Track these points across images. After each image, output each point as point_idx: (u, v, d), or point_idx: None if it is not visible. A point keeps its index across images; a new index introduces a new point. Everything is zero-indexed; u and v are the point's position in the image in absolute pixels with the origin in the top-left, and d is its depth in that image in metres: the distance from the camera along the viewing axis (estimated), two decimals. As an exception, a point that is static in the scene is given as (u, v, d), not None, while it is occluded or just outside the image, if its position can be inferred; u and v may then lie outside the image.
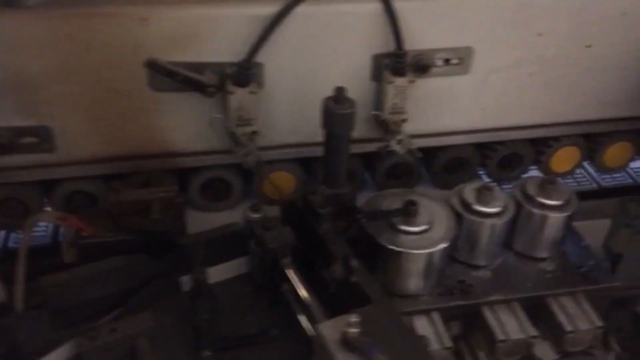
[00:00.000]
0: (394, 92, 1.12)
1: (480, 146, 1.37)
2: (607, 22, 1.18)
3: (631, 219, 1.54)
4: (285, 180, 1.28)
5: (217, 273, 1.13)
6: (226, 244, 1.19)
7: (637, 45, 1.21)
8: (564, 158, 1.40)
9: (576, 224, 1.61)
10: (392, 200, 1.23)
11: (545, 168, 1.42)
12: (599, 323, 1.17)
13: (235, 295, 1.16)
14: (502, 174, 1.40)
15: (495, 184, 1.27)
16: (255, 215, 1.10)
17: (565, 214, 1.25)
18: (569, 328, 1.16)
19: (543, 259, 1.29)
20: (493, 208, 1.21)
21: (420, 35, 1.13)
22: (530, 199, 1.26)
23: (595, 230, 1.61)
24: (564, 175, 1.43)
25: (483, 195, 1.22)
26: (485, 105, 1.26)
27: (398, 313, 0.95)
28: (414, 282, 1.18)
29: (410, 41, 1.12)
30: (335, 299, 1.04)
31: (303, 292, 1.00)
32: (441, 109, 1.24)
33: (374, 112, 1.13)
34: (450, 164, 1.36)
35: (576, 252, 1.32)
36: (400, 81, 1.11)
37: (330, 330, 0.87)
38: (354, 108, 1.03)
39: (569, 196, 1.26)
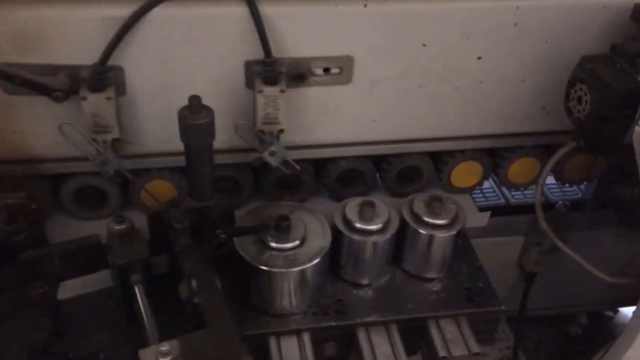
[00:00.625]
0: (265, 102, 1.06)
1: (377, 159, 1.32)
2: (498, 33, 1.11)
3: (542, 238, 1.51)
4: (164, 190, 1.22)
5: (74, 287, 1.08)
6: (88, 256, 1.14)
7: (531, 58, 1.16)
8: (464, 173, 1.34)
9: (490, 241, 1.59)
10: (271, 213, 1.18)
11: (446, 183, 1.36)
12: (476, 349, 1.13)
13: (94, 311, 1.11)
14: (402, 188, 1.35)
15: (374, 199, 1.21)
16: (118, 227, 1.04)
17: (451, 233, 1.20)
18: (442, 354, 1.11)
19: (431, 279, 1.25)
20: (374, 225, 1.17)
21: (296, 43, 1.07)
22: (416, 217, 1.21)
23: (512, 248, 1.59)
24: (466, 190, 1.38)
25: (365, 211, 1.17)
26: (376, 116, 1.20)
27: (238, 339, 0.89)
28: (284, 301, 1.13)
29: (284, 48, 1.06)
30: (189, 321, 1.00)
31: (144, 312, 0.95)
32: (325, 119, 1.18)
33: (241, 122, 1.07)
34: (343, 176, 1.31)
35: (468, 272, 1.28)
36: (270, 90, 1.05)
37: (150, 356, 0.83)
38: (211, 117, 0.97)
39: (457, 214, 1.21)
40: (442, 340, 1.14)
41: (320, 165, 1.30)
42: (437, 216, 1.20)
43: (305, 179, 1.30)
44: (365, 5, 1.04)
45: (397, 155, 1.30)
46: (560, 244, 1.30)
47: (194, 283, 0.93)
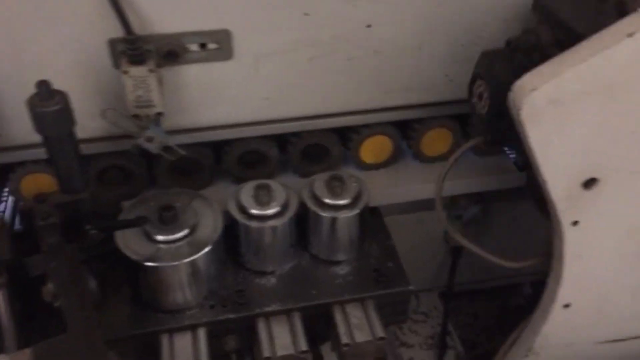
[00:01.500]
0: (134, 83, 0.98)
1: (278, 138, 1.25)
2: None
3: (462, 210, 1.46)
4: (45, 183, 1.14)
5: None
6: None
7: (425, 24, 1.10)
8: (373, 148, 1.28)
9: (416, 216, 1.54)
10: (162, 202, 1.11)
11: (356, 159, 1.30)
12: (381, 334, 1.08)
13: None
14: (309, 168, 1.28)
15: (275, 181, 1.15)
16: (-13, 225, 0.97)
17: (354, 213, 1.14)
18: (344, 340, 1.06)
19: (339, 262, 1.20)
20: (271, 209, 1.10)
21: (164, 18, 0.98)
22: (316, 198, 1.15)
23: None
24: (377, 167, 1.32)
25: (260, 195, 1.10)
26: (268, 94, 1.13)
27: (100, 344, 0.83)
28: (177, 296, 1.06)
29: (151, 24, 0.98)
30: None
31: (2, 318, 0.88)
32: (211, 99, 1.10)
33: (109, 108, 0.99)
34: (245, 158, 1.24)
35: (379, 252, 1.23)
36: (137, 70, 0.96)
37: (5, 364, 0.76)
38: (64, 103, 0.89)
39: (359, 192, 1.15)
40: (346, 326, 1.09)
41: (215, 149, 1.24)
42: (337, 196, 1.14)
43: (205, 163, 1.22)
44: (233, -27, 0.96)
45: (297, 134, 1.23)
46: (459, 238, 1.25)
47: (54, 285, 0.86)
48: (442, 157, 1.36)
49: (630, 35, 0.72)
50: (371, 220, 1.27)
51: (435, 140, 1.32)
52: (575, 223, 0.95)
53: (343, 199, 1.14)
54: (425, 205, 1.45)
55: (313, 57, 1.10)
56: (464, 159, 1.26)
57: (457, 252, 1.56)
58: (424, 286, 1.70)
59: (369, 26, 1.08)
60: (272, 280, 1.15)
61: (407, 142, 1.33)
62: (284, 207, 1.12)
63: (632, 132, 0.82)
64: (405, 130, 1.31)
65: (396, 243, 1.36)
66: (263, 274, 1.16)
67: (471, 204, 1.44)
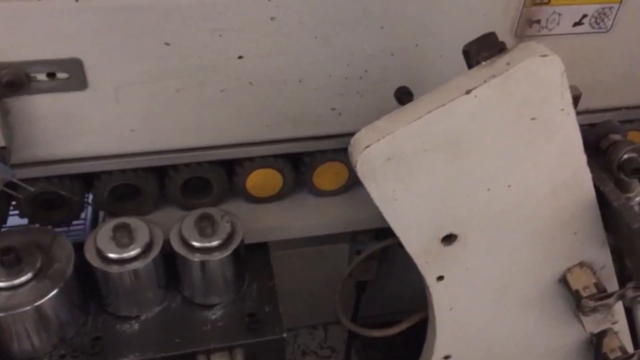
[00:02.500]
0: (-32, 115, 0.90)
1: (158, 171, 1.18)
2: (255, 30, 0.98)
3: (363, 245, 1.40)
4: None
5: None
6: None
7: (302, 56, 1.03)
8: (261, 182, 1.21)
9: (316, 250, 1.47)
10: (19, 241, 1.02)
11: (244, 194, 1.23)
12: (245, 386, 1.02)
13: None
14: (193, 202, 1.21)
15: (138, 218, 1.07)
16: None
17: (225, 254, 1.07)
18: (204, 395, 1.00)
19: (212, 306, 1.12)
20: (130, 251, 1.02)
21: (5, 44, 0.90)
22: (183, 240, 1.07)
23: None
24: (266, 200, 1.26)
25: (119, 236, 1.02)
26: (134, 125, 1.05)
27: None
28: (22, 344, 0.97)
29: (-10, 51, 0.90)
30: None
31: None
32: (70, 130, 1.01)
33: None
34: (118, 192, 1.16)
35: (258, 294, 1.15)
36: (-31, 102, 0.89)
37: None
38: None
39: (231, 231, 1.08)
40: (210, 379, 1.02)
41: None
42: (207, 237, 1.07)
43: (72, 198, 1.14)
44: (77, 0, 0.88)
45: (175, 167, 1.15)
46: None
47: None
48: (338, 191, 1.30)
49: (468, 92, 0.66)
50: (256, 257, 1.20)
51: (329, 174, 1.25)
52: (440, 278, 0.90)
53: (213, 240, 1.06)
54: (331, 238, 1.40)
55: (181, 88, 1.02)
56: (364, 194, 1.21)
57: (361, 286, 1.51)
58: (332, 319, 1.64)
59: (240, 57, 1.01)
60: (135, 326, 1.07)
61: (299, 176, 1.27)
62: (147, 248, 1.04)
63: (483, 189, 0.77)
64: (290, 163, 1.25)
65: (303, 275, 1.30)
66: (126, 318, 1.08)
67: (371, 239, 1.38)
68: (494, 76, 0.67)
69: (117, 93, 1.00)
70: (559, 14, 1.08)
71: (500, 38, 1.07)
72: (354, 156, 0.72)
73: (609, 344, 1.09)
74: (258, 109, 1.10)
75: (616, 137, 0.87)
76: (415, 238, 0.83)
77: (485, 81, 0.67)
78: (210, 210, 1.10)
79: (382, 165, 0.72)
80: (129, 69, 0.98)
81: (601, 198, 0.85)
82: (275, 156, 1.20)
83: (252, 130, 1.13)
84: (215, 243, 1.06)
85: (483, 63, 0.69)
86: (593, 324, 1.00)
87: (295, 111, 1.12)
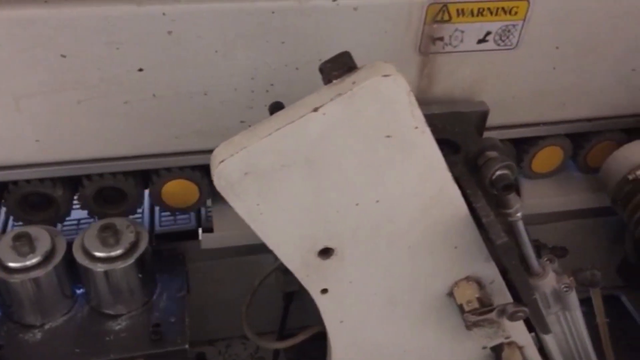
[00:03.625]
0: None
1: (71, 181, 1.19)
2: (152, 43, 0.99)
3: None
4: None
5: None
6: None
7: (207, 69, 1.04)
8: (177, 193, 1.22)
9: (242, 260, 1.48)
10: None
11: (161, 205, 1.24)
12: (138, 398, 1.02)
13: None
14: (107, 211, 1.21)
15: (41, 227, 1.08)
16: None
17: (127, 264, 1.07)
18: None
19: (117, 316, 1.13)
20: (29, 260, 1.03)
21: None
22: (85, 250, 1.08)
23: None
24: (184, 210, 1.27)
25: (18, 245, 1.03)
26: (38, 136, 1.05)
27: None
28: None
29: None
30: None
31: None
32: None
33: None
34: (29, 201, 1.17)
35: (167, 304, 1.16)
36: None
37: None
38: None
39: (135, 241, 1.09)
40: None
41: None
42: (110, 247, 1.08)
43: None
44: (-38, 12, 0.89)
45: (89, 176, 1.16)
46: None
47: None
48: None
49: (315, 109, 0.68)
50: (170, 267, 1.21)
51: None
52: (324, 291, 0.90)
53: (115, 249, 1.07)
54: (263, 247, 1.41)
55: (82, 100, 1.03)
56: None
57: (288, 297, 1.51)
58: (266, 329, 1.64)
59: (140, 70, 1.02)
60: (38, 335, 1.07)
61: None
62: (48, 257, 1.04)
63: (351, 204, 0.78)
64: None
65: (234, 285, 1.30)
66: (30, 327, 1.08)
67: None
68: (339, 94, 0.68)
69: (17, 103, 1.01)
70: (462, 32, 1.10)
71: (405, 55, 1.12)
72: (212, 171, 0.73)
73: (509, 358, 1.10)
74: (165, 120, 1.10)
75: (492, 154, 0.88)
76: (290, 252, 0.84)
77: (331, 99, 0.68)
78: (115, 220, 1.11)
79: (240, 180, 0.73)
80: (27, 80, 0.99)
81: (474, 214, 0.86)
82: (193, 167, 1.21)
83: (161, 142, 1.13)
84: (117, 252, 1.07)
85: (334, 82, 0.70)
86: (485, 338, 1.00)
87: (203, 124, 1.13)
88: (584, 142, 1.38)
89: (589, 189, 1.46)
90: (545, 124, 1.31)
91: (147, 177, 1.23)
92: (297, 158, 0.71)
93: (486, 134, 1.29)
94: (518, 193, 1.15)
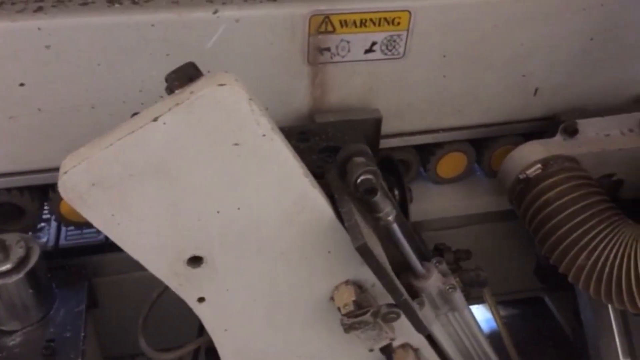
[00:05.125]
0: None
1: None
2: (31, 57, 0.99)
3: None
4: None
5: None
6: None
7: (90, 83, 1.05)
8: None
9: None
10: None
11: (59, 218, 1.24)
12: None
13: None
14: (6, 227, 1.20)
15: None
16: None
17: (17, 278, 1.07)
18: None
19: (12, 332, 1.12)
20: None
21: None
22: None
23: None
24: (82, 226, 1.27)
25: None
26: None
27: None
28: None
29: None
30: None
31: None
32: None
33: None
34: None
35: (64, 319, 1.15)
36: None
37: None
38: None
39: (25, 255, 1.08)
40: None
41: None
42: (-3, 262, 1.07)
43: None
44: None
45: (-15, 192, 1.16)
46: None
47: None
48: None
49: (155, 119, 0.69)
50: (70, 282, 1.21)
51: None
52: (201, 299, 0.91)
53: (4, 265, 1.06)
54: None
55: (14, 116, 1.03)
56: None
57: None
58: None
59: (22, 85, 1.02)
60: None
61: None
62: None
63: (212, 212, 0.79)
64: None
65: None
66: None
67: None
68: (177, 104, 0.69)
69: None
70: (348, 42, 1.13)
71: (295, 65, 1.14)
72: (58, 182, 0.73)
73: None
74: (54, 134, 1.10)
75: (358, 159, 0.91)
76: (155, 262, 0.85)
77: (170, 109, 0.69)
78: (5, 235, 1.10)
79: (88, 191, 0.73)
80: None
81: (340, 219, 0.88)
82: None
83: (53, 156, 1.13)
84: (6, 268, 1.06)
85: (176, 92, 0.72)
86: (369, 340, 1.02)
87: (94, 137, 1.13)
88: (486, 147, 1.42)
89: (496, 192, 1.51)
90: (444, 130, 1.35)
91: (46, 192, 1.23)
92: (145, 168, 0.72)
93: (387, 142, 1.33)
94: (408, 198, 1.18)
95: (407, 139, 1.34)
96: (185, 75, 0.70)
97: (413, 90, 1.24)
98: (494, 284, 1.76)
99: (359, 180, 0.86)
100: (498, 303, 2.16)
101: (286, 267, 0.92)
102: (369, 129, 1.21)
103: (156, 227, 0.79)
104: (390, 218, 0.92)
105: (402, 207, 1.14)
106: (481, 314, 2.10)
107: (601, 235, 1.09)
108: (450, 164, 1.42)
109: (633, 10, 1.21)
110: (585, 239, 1.10)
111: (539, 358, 1.85)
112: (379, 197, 0.88)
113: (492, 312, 1.22)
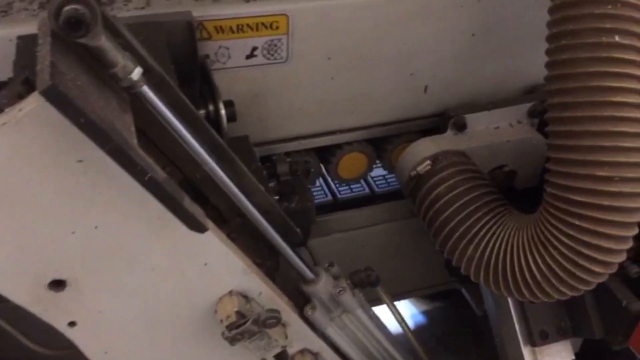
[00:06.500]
0: None
1: None
2: None
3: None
4: None
5: None
6: None
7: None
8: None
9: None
10: None
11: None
12: None
13: None
14: None
15: None
16: None
17: None
18: None
19: None
20: None
21: None
22: None
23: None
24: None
25: None
26: None
27: None
28: None
29: None
30: None
31: None
32: None
33: None
34: None
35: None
36: None
37: None
38: None
39: None
40: None
41: None
42: None
43: None
44: None
45: None
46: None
47: None
48: None
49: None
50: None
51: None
52: (72, 324, 0.87)
53: None
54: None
55: None
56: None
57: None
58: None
59: None
60: None
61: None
62: None
63: (66, 232, 0.76)
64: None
65: None
66: None
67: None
68: (4, 124, 0.66)
69: None
70: (227, 48, 1.11)
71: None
72: None
73: (302, 366, 1.11)
74: None
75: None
76: (13, 289, 0.80)
77: (-3, 130, 0.67)
78: None
79: None
80: None
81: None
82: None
83: None
84: None
85: (6, 110, 0.69)
86: (259, 350, 1.01)
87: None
88: (386, 146, 1.44)
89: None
90: (341, 131, 1.36)
91: None
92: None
93: (284, 146, 1.32)
94: (222, 115, 0.99)
95: (304, 142, 1.34)
96: (14, 93, 0.66)
97: (302, 93, 1.24)
98: (413, 280, 1.81)
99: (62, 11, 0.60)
100: (422, 297, 2.23)
101: (161, 282, 0.89)
102: (178, 33, 1.01)
103: (6, 252, 0.75)
104: (135, 77, 0.71)
105: (216, 124, 0.99)
106: (404, 310, 2.15)
107: (487, 227, 1.11)
108: (351, 164, 1.42)
109: (509, 5, 1.24)
110: (472, 231, 1.12)
111: (460, 349, 1.89)
112: (104, 43, 0.66)
113: (391, 310, 1.23)
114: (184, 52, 0.97)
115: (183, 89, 0.98)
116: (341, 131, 1.34)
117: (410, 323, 2.19)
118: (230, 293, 0.96)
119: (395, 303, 1.32)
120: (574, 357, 1.30)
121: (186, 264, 0.88)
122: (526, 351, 1.28)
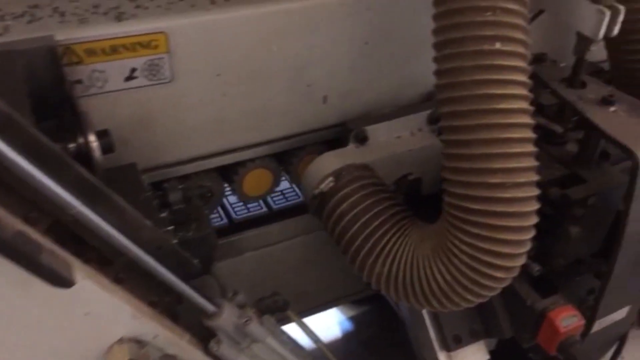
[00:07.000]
0: None
1: None
2: None
3: None
4: None
5: None
6: None
7: None
8: None
9: None
10: None
11: None
12: None
13: None
14: None
15: None
16: None
17: None
18: None
19: None
20: None
21: None
22: None
23: None
24: None
25: None
26: None
27: None
28: None
29: None
30: None
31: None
32: None
33: None
34: None
35: None
36: None
37: None
38: None
39: None
40: None
41: None
42: None
43: None
44: None
45: None
46: None
47: None
48: None
49: None
50: None
51: None
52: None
53: None
54: None
55: None
56: None
57: None
58: None
59: None
60: None
61: None
62: None
63: None
64: None
65: None
66: None
67: None
68: None
69: None
70: (101, 72, 1.02)
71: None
72: None
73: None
74: None
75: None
76: None
77: None
78: None
79: None
80: None
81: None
82: None
83: None
84: None
85: None
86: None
87: None
88: (291, 159, 1.39)
89: (311, 202, 1.49)
90: (242, 148, 1.30)
91: None
92: None
93: (182, 168, 1.24)
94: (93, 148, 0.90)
95: (202, 163, 1.27)
96: None
97: (193, 113, 1.16)
98: (335, 289, 1.78)
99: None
100: (349, 303, 2.21)
101: (43, 339, 0.81)
102: (40, 60, 0.92)
103: None
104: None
105: (86, 159, 0.90)
106: (331, 318, 2.13)
107: (392, 242, 1.09)
108: (256, 181, 1.37)
109: (399, 12, 1.23)
110: (378, 248, 1.09)
111: (385, 353, 1.89)
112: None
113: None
114: (48, 81, 0.88)
115: (51, 122, 0.89)
116: (242, 148, 1.28)
117: (338, 330, 2.18)
118: (121, 340, 0.88)
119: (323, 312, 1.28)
120: (488, 357, 1.31)
121: (65, 317, 0.79)
122: (442, 356, 1.28)
